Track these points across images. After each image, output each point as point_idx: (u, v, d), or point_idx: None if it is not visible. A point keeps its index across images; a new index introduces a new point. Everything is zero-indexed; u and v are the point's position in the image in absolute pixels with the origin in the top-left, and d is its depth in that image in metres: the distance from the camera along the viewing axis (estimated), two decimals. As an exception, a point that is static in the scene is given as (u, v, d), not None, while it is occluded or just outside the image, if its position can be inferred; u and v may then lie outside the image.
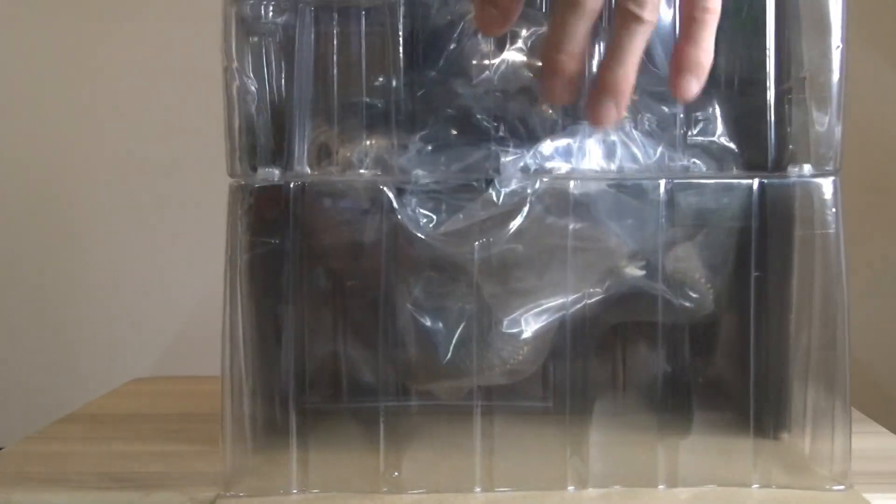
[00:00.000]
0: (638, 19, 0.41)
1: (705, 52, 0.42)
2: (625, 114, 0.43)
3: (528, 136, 0.47)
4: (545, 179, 0.46)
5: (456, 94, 0.47)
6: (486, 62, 0.47)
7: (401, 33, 0.47)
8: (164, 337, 0.91)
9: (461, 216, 0.46)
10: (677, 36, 0.43)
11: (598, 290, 0.48)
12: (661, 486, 0.46)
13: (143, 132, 0.90)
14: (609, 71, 0.42)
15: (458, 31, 0.48)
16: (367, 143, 0.47)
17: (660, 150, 0.47)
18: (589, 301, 0.48)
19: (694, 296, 0.49)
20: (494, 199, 0.46)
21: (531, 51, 0.48)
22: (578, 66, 0.42)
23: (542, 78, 0.43)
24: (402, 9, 0.47)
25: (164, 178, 0.90)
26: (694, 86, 0.42)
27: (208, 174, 0.85)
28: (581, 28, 0.42)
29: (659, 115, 0.48)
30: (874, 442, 0.55)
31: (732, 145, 0.48)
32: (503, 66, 0.47)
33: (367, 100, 0.48)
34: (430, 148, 0.47)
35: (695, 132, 0.48)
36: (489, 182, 0.46)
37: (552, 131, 0.47)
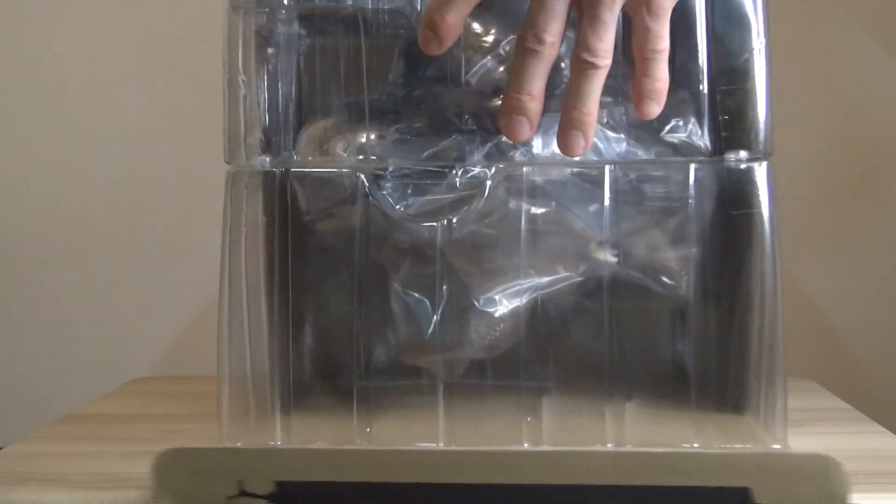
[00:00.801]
0: (594, 66, 0.46)
1: (661, 81, 0.48)
2: (592, 142, 0.49)
3: (495, 130, 0.51)
4: (501, 165, 0.51)
5: (435, 94, 0.52)
6: (466, 66, 0.52)
7: (383, 41, 0.53)
8: (164, 337, 0.91)
9: (426, 199, 0.51)
10: (636, 69, 0.48)
11: (572, 273, 0.52)
12: (609, 445, 0.49)
13: (142, 130, 0.90)
14: (573, 110, 0.47)
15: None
16: (350, 135, 0.52)
17: (623, 145, 0.52)
18: (564, 284, 0.52)
19: (669, 282, 0.52)
20: (456, 183, 0.51)
21: (508, 55, 0.52)
22: (536, 106, 0.48)
23: (502, 115, 0.48)
24: (383, 18, 0.53)
25: (165, 177, 0.90)
26: (655, 109, 0.48)
27: (209, 174, 0.85)
28: (539, 71, 0.47)
29: (626, 106, 0.52)
30: (874, 442, 0.55)
31: (681, 135, 0.53)
32: (481, 70, 0.52)
33: (354, 99, 0.53)
34: (405, 138, 0.52)
35: (666, 129, 0.53)
36: (453, 169, 0.51)
37: None
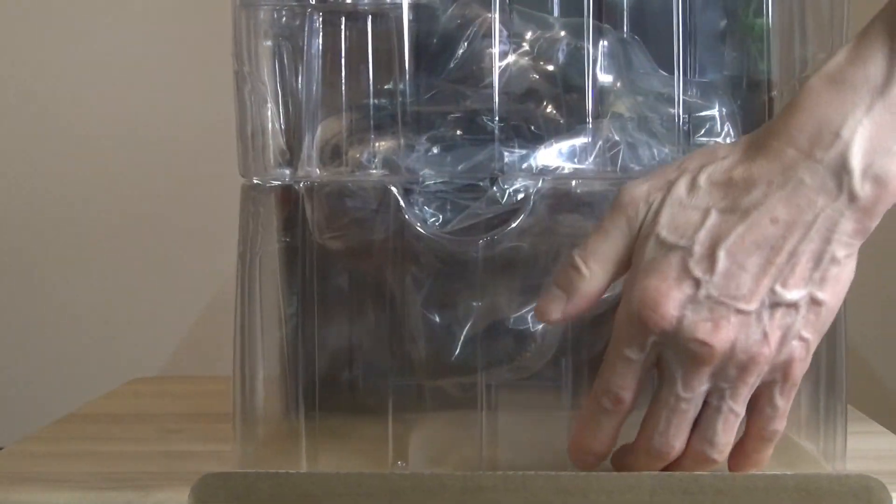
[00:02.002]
0: (713, 462, 0.42)
1: (766, 461, 0.44)
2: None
3: (532, 138, 0.48)
4: (547, 178, 0.47)
5: (463, 97, 0.49)
6: (494, 65, 0.48)
7: (406, 38, 0.48)
8: (164, 337, 0.91)
9: (466, 214, 0.48)
10: (746, 438, 0.44)
11: (609, 293, 0.49)
12: None
13: (145, 130, 0.90)
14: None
15: (468, 34, 0.49)
16: (376, 144, 0.48)
17: (666, 150, 0.49)
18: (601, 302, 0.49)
19: None
20: (498, 197, 0.47)
21: (538, 54, 0.49)
22: (604, 453, 0.44)
23: (570, 453, 0.45)
24: (408, 13, 0.48)
25: (166, 178, 0.90)
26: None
27: (211, 175, 0.85)
28: (613, 427, 0.43)
29: (664, 116, 0.49)
30: (874, 442, 0.55)
31: (715, 138, 0.50)
32: (510, 70, 0.48)
33: (376, 101, 0.49)
34: (436, 149, 0.48)
35: (700, 133, 0.50)
36: (494, 181, 0.48)
37: (557, 132, 0.48)
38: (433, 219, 0.48)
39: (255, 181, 0.49)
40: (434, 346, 0.49)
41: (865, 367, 0.88)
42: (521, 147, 0.48)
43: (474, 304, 0.49)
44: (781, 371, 0.41)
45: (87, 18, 0.89)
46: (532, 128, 0.48)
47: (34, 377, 0.91)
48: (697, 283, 0.40)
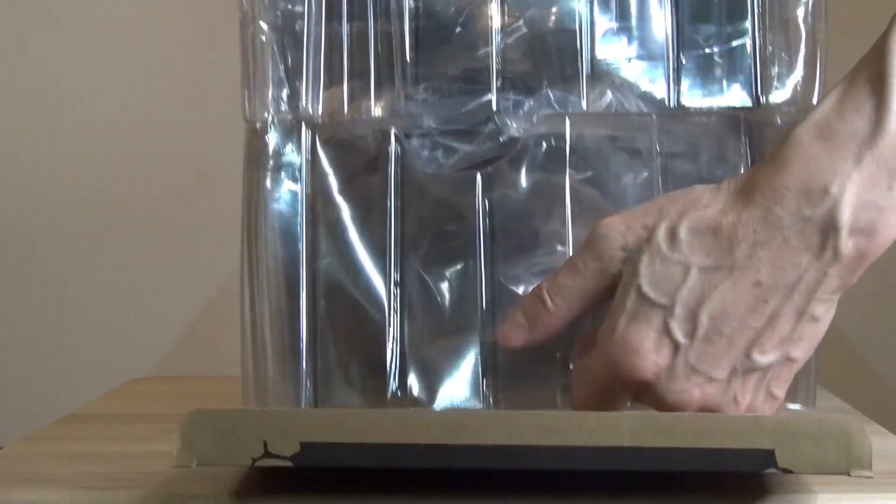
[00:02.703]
0: None
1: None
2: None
3: (527, 90, 0.50)
4: (541, 119, 0.50)
5: (461, 57, 0.51)
6: (491, 31, 0.50)
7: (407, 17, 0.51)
8: (164, 337, 0.91)
9: (463, 153, 0.50)
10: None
11: None
12: None
13: (144, 129, 0.90)
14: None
15: (464, 16, 0.51)
16: (376, 94, 0.51)
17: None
18: None
19: None
20: (495, 136, 0.50)
21: (532, 21, 0.51)
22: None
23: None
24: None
25: (166, 177, 0.90)
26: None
27: (212, 175, 0.85)
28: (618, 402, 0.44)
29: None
30: (874, 442, 0.55)
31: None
32: (508, 38, 0.51)
33: (378, 52, 0.51)
34: (435, 97, 0.51)
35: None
36: (489, 123, 0.50)
37: (551, 84, 0.51)
38: (432, 163, 0.50)
39: (258, 125, 0.51)
40: (430, 306, 0.51)
41: (865, 366, 0.88)
42: (516, 96, 0.50)
43: (471, 262, 0.50)
44: None
45: (91, 12, 0.89)
46: (526, 84, 0.50)
47: (34, 377, 0.91)
48: (677, 348, 0.41)
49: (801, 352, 0.42)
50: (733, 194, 0.42)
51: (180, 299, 0.90)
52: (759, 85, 0.51)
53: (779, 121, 0.51)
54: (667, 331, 0.41)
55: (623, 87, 0.51)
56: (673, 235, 0.42)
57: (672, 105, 0.51)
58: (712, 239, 0.41)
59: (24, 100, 0.90)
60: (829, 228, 0.40)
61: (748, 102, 0.52)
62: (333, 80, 0.51)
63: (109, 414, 0.66)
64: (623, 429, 0.38)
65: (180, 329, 0.91)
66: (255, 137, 0.51)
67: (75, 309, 0.91)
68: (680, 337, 0.41)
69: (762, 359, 0.41)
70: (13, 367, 0.91)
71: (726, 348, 0.41)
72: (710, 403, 0.41)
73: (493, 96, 0.50)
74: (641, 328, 0.41)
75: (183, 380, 0.81)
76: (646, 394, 0.43)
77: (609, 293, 0.44)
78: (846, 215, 0.39)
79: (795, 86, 0.51)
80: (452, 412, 0.41)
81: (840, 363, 0.86)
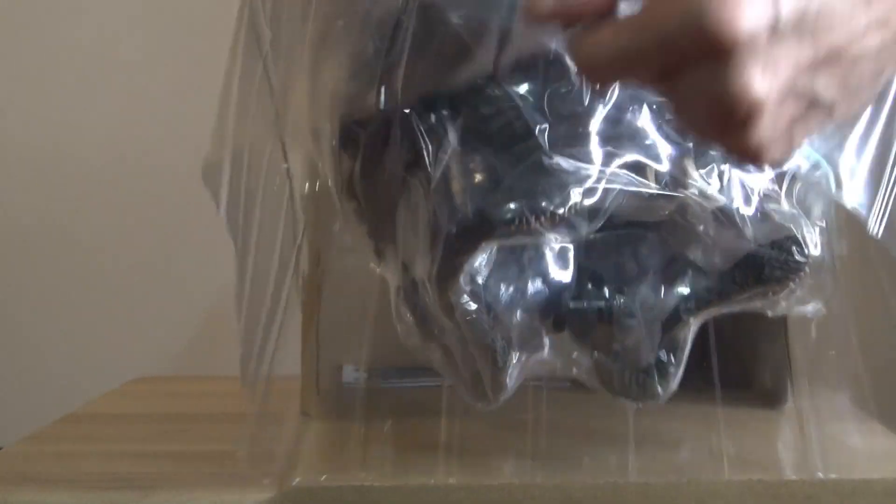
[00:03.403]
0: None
1: None
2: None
3: None
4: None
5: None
6: None
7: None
8: (164, 337, 0.91)
9: None
10: None
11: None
12: None
13: (146, 129, 0.90)
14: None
15: None
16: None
17: None
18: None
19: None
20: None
21: None
22: None
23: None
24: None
25: (168, 178, 0.90)
26: None
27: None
28: None
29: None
30: (874, 442, 0.55)
31: None
32: None
33: None
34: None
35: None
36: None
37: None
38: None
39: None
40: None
41: (865, 365, 0.88)
42: None
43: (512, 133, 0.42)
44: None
45: (97, 18, 0.89)
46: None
47: (34, 377, 0.91)
48: (777, 21, 0.33)
49: (845, 108, 0.36)
50: None
51: (181, 300, 0.90)
52: None
53: None
54: None
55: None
56: None
57: None
58: None
59: (25, 98, 0.90)
60: None
61: None
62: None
63: (109, 414, 0.66)
64: (730, 494, 0.37)
65: (180, 329, 0.91)
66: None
67: (76, 309, 0.91)
68: (784, 9, 0.32)
69: (820, 84, 0.35)
70: (13, 367, 0.91)
71: (810, 50, 0.34)
72: (763, 107, 0.33)
73: None
74: None
75: (183, 380, 0.80)
76: (702, 72, 0.33)
77: None
78: None
79: None
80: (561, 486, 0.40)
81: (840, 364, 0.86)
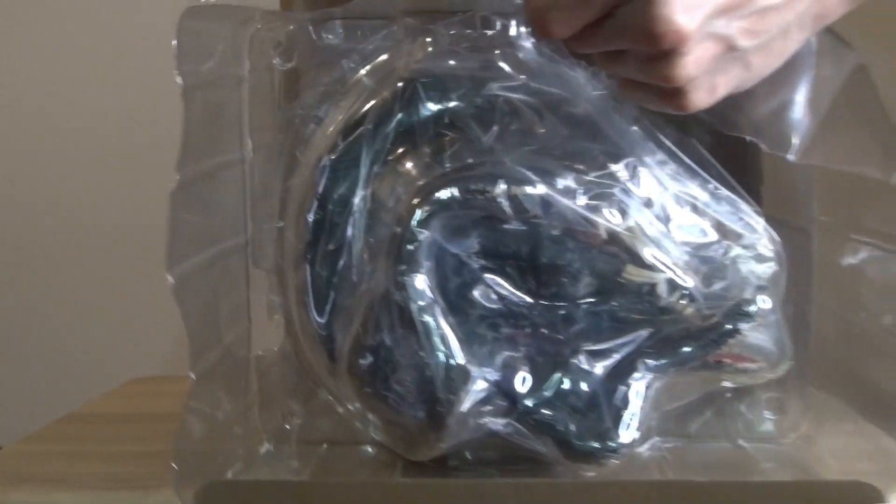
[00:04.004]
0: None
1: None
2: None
3: None
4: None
5: None
6: None
7: None
8: (164, 337, 0.91)
9: None
10: None
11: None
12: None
13: (145, 129, 0.90)
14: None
15: None
16: None
17: None
18: None
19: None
20: None
21: None
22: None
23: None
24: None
25: (168, 177, 0.90)
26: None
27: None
28: None
29: None
30: (874, 442, 0.55)
31: None
32: None
33: None
34: None
35: None
36: None
37: None
38: None
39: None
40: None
41: (866, 367, 0.88)
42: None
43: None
44: None
45: (98, 19, 0.89)
46: None
47: (34, 377, 0.91)
48: None
49: (759, 61, 0.42)
50: None
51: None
52: None
53: None
54: None
55: None
56: None
57: None
58: None
59: (26, 99, 0.90)
60: None
61: None
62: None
63: (109, 414, 0.66)
64: (637, 496, 0.38)
65: (180, 329, 0.91)
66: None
67: (76, 309, 0.91)
68: None
69: (734, 29, 0.40)
70: (13, 367, 0.91)
71: None
72: (685, 39, 0.39)
73: None
74: None
75: (183, 380, 0.80)
76: (632, 8, 0.39)
77: None
78: None
79: None
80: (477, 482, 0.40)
81: (839, 363, 0.86)
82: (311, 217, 0.45)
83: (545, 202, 0.41)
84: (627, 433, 0.43)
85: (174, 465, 0.40)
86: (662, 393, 0.45)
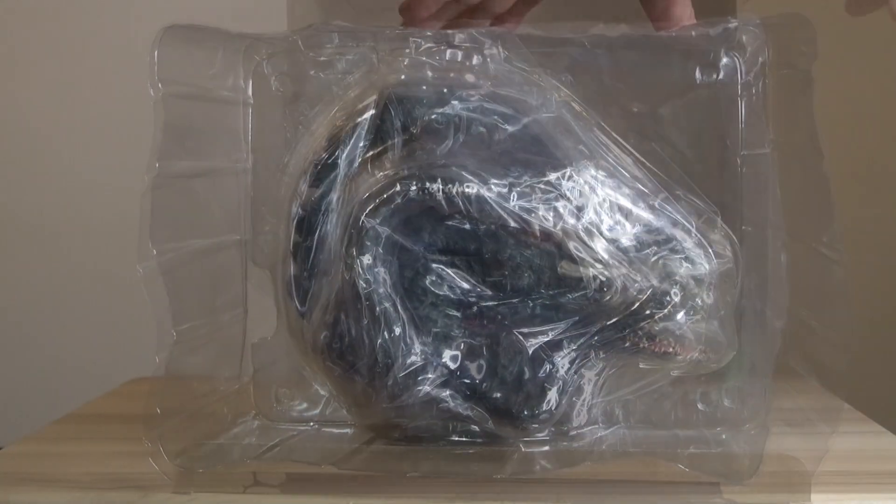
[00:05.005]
0: None
1: None
2: None
3: None
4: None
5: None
6: None
7: None
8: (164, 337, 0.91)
9: None
10: None
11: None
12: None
13: (143, 129, 0.90)
14: None
15: None
16: None
17: None
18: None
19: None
20: None
21: None
22: None
23: None
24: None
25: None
26: None
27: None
28: None
29: None
30: (874, 442, 0.55)
31: None
32: None
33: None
34: None
35: None
36: None
37: None
38: None
39: None
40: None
41: (865, 366, 0.88)
42: None
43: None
44: None
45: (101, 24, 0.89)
46: None
47: (34, 377, 0.91)
48: None
49: None
50: None
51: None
52: None
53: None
54: None
55: None
56: None
57: None
58: None
59: (26, 98, 0.90)
60: None
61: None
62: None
63: (109, 414, 0.66)
64: None
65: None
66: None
67: (76, 309, 0.91)
68: None
69: None
70: (13, 367, 0.91)
71: None
72: None
73: None
74: None
75: (183, 380, 0.80)
76: None
77: None
78: None
79: None
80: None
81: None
82: (294, 217, 0.51)
83: (479, 200, 0.48)
84: (577, 418, 0.51)
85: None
86: (613, 381, 0.52)
